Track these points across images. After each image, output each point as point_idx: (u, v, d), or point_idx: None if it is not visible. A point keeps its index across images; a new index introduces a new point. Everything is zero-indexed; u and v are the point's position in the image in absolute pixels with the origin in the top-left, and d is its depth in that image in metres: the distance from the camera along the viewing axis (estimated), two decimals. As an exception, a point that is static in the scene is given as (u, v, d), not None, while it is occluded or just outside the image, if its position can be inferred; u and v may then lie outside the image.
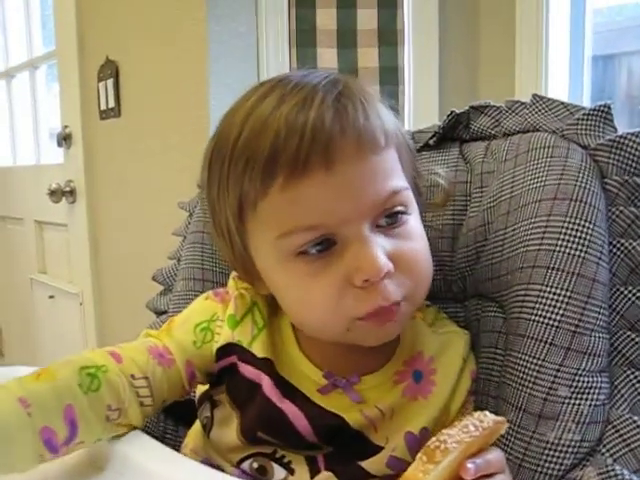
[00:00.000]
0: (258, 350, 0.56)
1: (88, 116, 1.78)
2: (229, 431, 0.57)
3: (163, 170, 1.53)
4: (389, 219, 0.50)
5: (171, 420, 0.73)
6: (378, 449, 0.54)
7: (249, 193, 0.48)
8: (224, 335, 0.57)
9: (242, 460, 0.57)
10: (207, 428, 0.60)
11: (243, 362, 0.56)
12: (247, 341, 0.56)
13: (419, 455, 0.41)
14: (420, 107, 1.37)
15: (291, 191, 0.46)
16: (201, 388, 0.62)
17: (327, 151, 0.45)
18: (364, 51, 1.36)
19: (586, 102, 1.50)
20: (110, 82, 1.64)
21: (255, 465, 0.56)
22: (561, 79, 1.46)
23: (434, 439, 0.42)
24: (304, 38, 1.36)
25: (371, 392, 0.55)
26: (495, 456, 0.44)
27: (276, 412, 0.54)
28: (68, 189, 1.87)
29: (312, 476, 0.54)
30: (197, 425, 0.65)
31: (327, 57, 1.37)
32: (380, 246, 0.48)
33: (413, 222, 0.52)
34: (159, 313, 0.82)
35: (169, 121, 1.47)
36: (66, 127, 1.87)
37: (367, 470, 0.54)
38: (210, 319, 0.58)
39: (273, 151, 0.46)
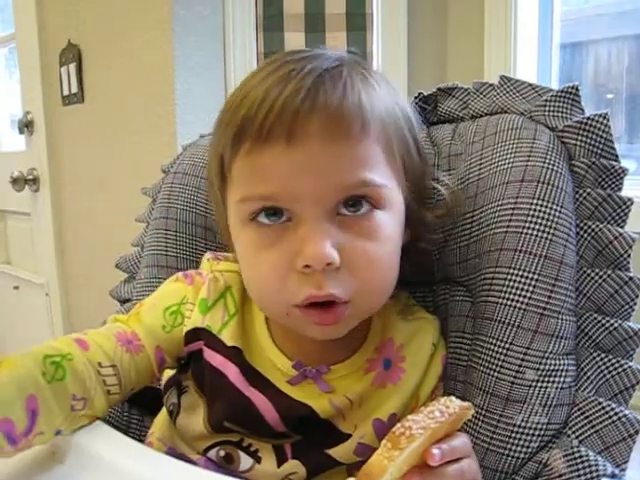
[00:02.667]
0: (227, 338, 0.55)
1: (50, 102, 1.73)
2: (196, 418, 0.56)
3: (128, 156, 1.50)
4: (352, 207, 0.48)
5: (136, 410, 0.71)
6: (346, 437, 0.54)
7: (225, 155, 0.51)
8: (194, 319, 0.56)
9: (208, 448, 0.55)
10: (173, 415, 0.59)
11: (210, 349, 0.55)
12: (217, 328, 0.56)
13: (384, 442, 0.41)
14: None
15: (254, 157, 0.47)
16: (168, 373, 0.61)
17: (291, 125, 0.45)
18: (332, 35, 1.34)
19: (554, 87, 1.51)
20: (72, 67, 1.60)
21: (222, 453, 0.55)
22: (530, 66, 1.47)
23: (399, 425, 0.41)
24: (271, 22, 1.34)
25: (341, 381, 0.55)
26: (461, 441, 0.43)
27: (243, 402, 0.53)
28: (31, 177, 1.82)
29: (279, 465, 0.54)
30: (163, 413, 0.63)
31: (295, 41, 1.35)
32: (330, 235, 0.47)
33: (383, 221, 0.49)
34: (123, 301, 0.80)
35: (134, 106, 1.44)
36: (28, 113, 1.82)
37: (335, 458, 0.53)
38: (180, 302, 0.57)
39: (245, 119, 0.47)
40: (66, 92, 1.65)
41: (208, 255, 0.61)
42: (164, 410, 0.63)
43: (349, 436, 0.54)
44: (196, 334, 0.56)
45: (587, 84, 1.78)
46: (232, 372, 0.54)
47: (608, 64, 1.76)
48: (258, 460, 0.54)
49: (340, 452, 0.53)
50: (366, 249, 0.48)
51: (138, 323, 0.56)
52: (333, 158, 0.46)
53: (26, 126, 1.82)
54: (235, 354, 0.55)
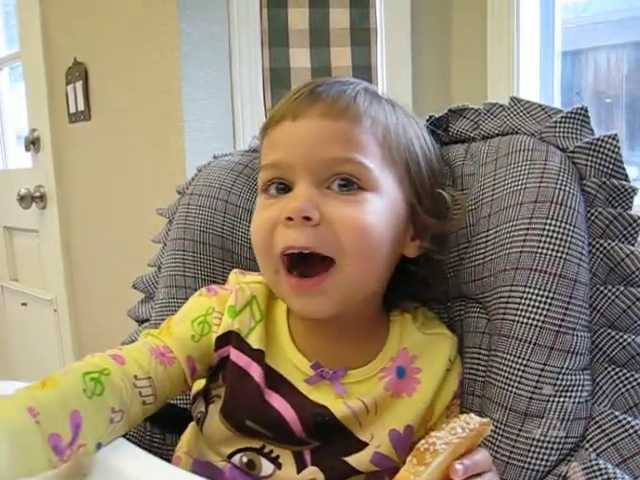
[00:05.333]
0: (254, 341, 0.59)
1: (57, 119, 1.75)
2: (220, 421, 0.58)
3: (135, 173, 1.51)
4: (343, 187, 0.54)
5: (157, 428, 0.73)
6: (363, 445, 0.56)
7: (259, 143, 0.62)
8: (224, 324, 0.60)
9: (232, 454, 0.58)
10: (201, 422, 0.61)
11: (238, 350, 0.58)
12: (245, 332, 0.59)
13: (409, 458, 0.42)
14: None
15: (270, 134, 0.58)
16: (197, 385, 0.63)
17: (297, 108, 0.56)
18: (337, 50, 1.36)
19: (557, 96, 1.52)
20: (79, 84, 1.62)
21: (244, 459, 0.57)
22: (532, 74, 1.48)
23: (423, 441, 0.43)
24: (276, 38, 1.35)
25: (356, 386, 0.57)
26: (482, 456, 0.45)
27: (263, 400, 0.56)
28: (38, 194, 1.83)
29: (299, 471, 0.56)
30: (190, 427, 0.66)
31: (300, 57, 1.36)
32: (314, 197, 0.53)
33: (370, 199, 0.54)
34: (141, 321, 0.81)
35: (141, 123, 1.46)
36: (34, 131, 1.84)
37: (352, 465, 0.55)
38: (206, 313, 0.61)
39: (271, 114, 0.59)
40: (73, 110, 1.67)
41: (235, 270, 0.66)
42: (190, 426, 0.65)
43: (366, 444, 0.55)
44: (226, 338, 0.59)
45: (587, 91, 1.80)
46: (256, 373, 0.57)
47: (608, 71, 1.78)
48: (279, 466, 0.56)
49: (357, 460, 0.55)
50: (347, 212, 0.53)
51: (169, 336, 0.60)
52: (325, 134, 0.54)
53: (32, 143, 1.84)
54: (259, 356, 0.58)
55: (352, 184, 0.54)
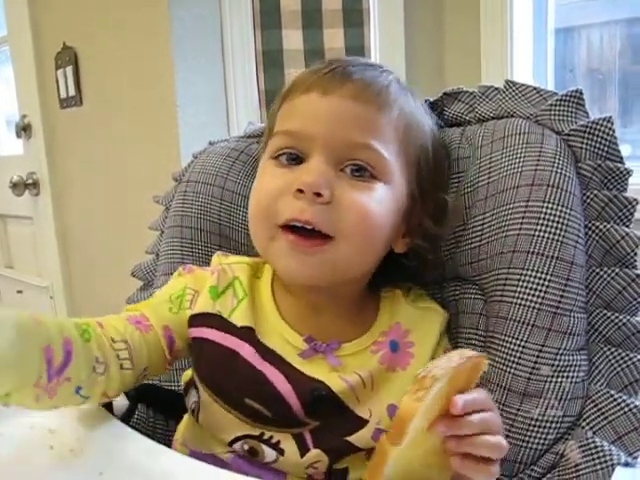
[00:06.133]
0: (238, 319, 0.58)
1: (48, 105, 1.73)
2: (217, 408, 0.58)
3: (129, 157, 1.50)
4: (357, 173, 0.54)
5: (160, 415, 0.73)
6: (363, 422, 0.56)
7: (274, 113, 0.61)
8: (202, 303, 0.60)
9: (233, 442, 0.57)
10: (196, 412, 0.60)
11: (223, 331, 0.58)
12: (227, 312, 0.59)
13: (409, 387, 0.44)
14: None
15: (293, 102, 0.57)
16: (187, 375, 0.63)
17: (328, 84, 0.56)
18: (330, 32, 1.35)
19: (550, 74, 1.52)
20: (69, 69, 1.60)
21: (246, 447, 0.57)
22: (526, 52, 1.47)
23: (421, 370, 0.44)
24: (268, 20, 1.34)
25: (350, 359, 0.57)
26: (481, 394, 0.46)
27: (258, 377, 0.56)
28: (31, 181, 1.82)
29: (302, 455, 0.55)
30: (185, 419, 0.65)
31: (292, 38, 1.35)
32: (328, 175, 0.53)
33: (380, 189, 0.55)
34: (140, 309, 0.81)
35: (134, 107, 1.45)
36: (24, 117, 1.82)
37: (354, 444, 0.55)
38: (182, 289, 0.62)
39: (296, 82, 0.59)
40: (64, 95, 1.65)
41: (219, 252, 0.65)
42: (185, 417, 0.65)
43: (366, 422, 0.55)
44: (201, 319, 0.59)
45: (580, 68, 1.80)
46: (245, 350, 0.57)
47: (601, 48, 1.77)
48: (281, 452, 0.56)
49: (359, 438, 0.55)
50: (358, 198, 0.54)
51: (147, 307, 0.60)
52: (353, 117, 0.54)
53: (24, 130, 1.82)
54: (247, 333, 0.57)
55: (366, 171, 0.54)
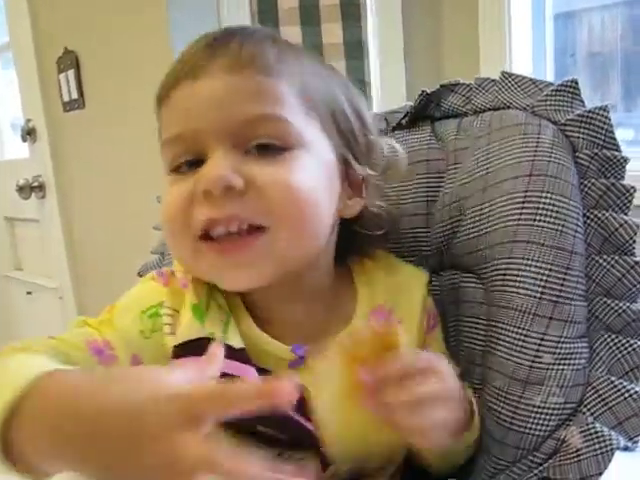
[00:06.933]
0: (234, 340, 0.51)
1: (51, 109, 1.75)
2: (227, 437, 0.55)
3: (132, 159, 1.52)
4: (262, 150, 0.48)
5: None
6: None
7: (158, 122, 0.53)
8: (188, 328, 0.51)
9: None
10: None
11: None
12: (220, 331, 0.51)
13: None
14: (387, 79, 1.38)
15: (167, 103, 0.51)
16: None
17: (195, 65, 0.49)
18: (327, 27, 1.35)
19: (550, 59, 1.51)
20: (71, 73, 1.61)
21: None
22: (524, 37, 1.47)
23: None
24: (266, 18, 1.35)
25: None
26: (416, 356, 0.44)
27: None
28: (37, 184, 1.84)
29: (323, 465, 0.54)
30: None
31: (291, 35, 1.35)
32: (233, 162, 0.47)
33: (297, 155, 0.49)
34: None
35: (136, 109, 1.45)
36: (29, 121, 1.84)
37: None
38: (158, 304, 0.53)
39: (165, 78, 0.52)
40: (66, 98, 1.67)
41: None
42: None
43: None
44: (191, 347, 0.50)
45: (581, 53, 1.79)
46: (251, 374, 0.50)
47: (602, 32, 1.77)
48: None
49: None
50: (276, 174, 0.47)
51: (111, 329, 0.51)
52: (235, 91, 0.48)
53: (29, 134, 1.84)
54: (245, 356, 0.51)
55: (274, 147, 0.48)
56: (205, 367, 0.37)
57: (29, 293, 2.11)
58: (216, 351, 0.36)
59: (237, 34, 0.51)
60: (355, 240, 0.58)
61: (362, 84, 1.35)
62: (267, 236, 0.48)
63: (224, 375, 0.46)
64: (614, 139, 0.57)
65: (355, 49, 1.35)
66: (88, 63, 1.58)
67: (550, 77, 1.47)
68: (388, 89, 1.36)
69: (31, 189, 1.84)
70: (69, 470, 0.36)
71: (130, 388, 0.34)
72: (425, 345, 0.59)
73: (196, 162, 0.49)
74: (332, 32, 1.34)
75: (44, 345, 0.48)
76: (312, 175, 0.50)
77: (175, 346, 0.51)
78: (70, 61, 1.61)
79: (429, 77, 1.36)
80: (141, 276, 0.85)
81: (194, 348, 0.49)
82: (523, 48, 1.45)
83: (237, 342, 0.51)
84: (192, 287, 0.53)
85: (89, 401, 0.35)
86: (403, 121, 0.71)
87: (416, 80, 1.35)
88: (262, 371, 0.52)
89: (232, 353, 0.49)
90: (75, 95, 1.63)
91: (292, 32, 1.35)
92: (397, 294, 0.58)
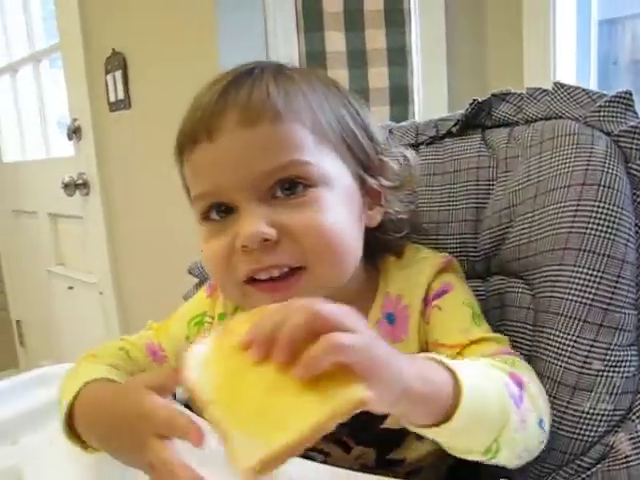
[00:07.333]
0: None
1: (97, 108, 1.79)
2: None
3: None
4: (287, 191, 0.51)
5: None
6: None
7: (181, 171, 0.58)
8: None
9: None
10: None
11: None
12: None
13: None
14: (429, 85, 1.39)
15: (190, 160, 0.54)
16: None
17: (209, 124, 0.51)
18: (371, 33, 1.37)
19: (593, 66, 1.50)
20: (118, 74, 1.65)
21: None
22: (569, 44, 1.46)
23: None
24: (311, 22, 1.37)
25: None
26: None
27: None
28: (81, 181, 1.89)
29: (348, 452, 0.58)
30: None
31: (334, 40, 1.38)
32: (264, 215, 0.50)
33: (321, 195, 0.51)
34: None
35: (181, 110, 1.49)
36: (75, 120, 1.89)
37: (391, 428, 0.57)
38: (203, 313, 0.63)
39: (182, 130, 0.55)
40: (113, 99, 1.71)
41: None
42: None
43: None
44: None
45: (624, 60, 1.77)
46: None
47: (645, 40, 1.74)
48: (327, 455, 0.59)
49: (392, 422, 0.56)
50: (305, 218, 0.50)
51: (165, 334, 0.63)
52: (250, 146, 0.50)
53: (74, 132, 1.89)
54: None
55: (297, 185, 0.51)
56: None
57: (70, 288, 2.16)
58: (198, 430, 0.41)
59: (247, 82, 0.52)
60: (379, 243, 0.61)
61: (404, 90, 1.37)
62: (307, 274, 0.52)
63: None
64: (668, 150, 0.58)
65: (398, 55, 1.36)
66: (135, 64, 1.62)
67: (593, 84, 1.46)
68: (430, 95, 1.37)
69: (75, 186, 1.89)
70: (101, 448, 0.51)
71: (126, 404, 0.46)
72: (428, 315, 0.58)
73: (224, 209, 0.53)
74: (375, 38, 1.36)
75: (112, 348, 0.60)
76: (337, 209, 0.52)
77: None
78: (118, 62, 1.65)
79: (471, 83, 1.37)
80: (191, 273, 0.88)
81: None
82: (567, 53, 1.44)
83: None
84: (222, 298, 0.62)
85: (105, 409, 0.50)
86: (454, 129, 0.72)
87: (458, 86, 1.36)
88: None
89: None
90: (121, 96, 1.67)
91: (336, 37, 1.37)
92: (405, 281, 0.59)
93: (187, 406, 0.71)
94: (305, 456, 0.58)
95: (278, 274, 0.51)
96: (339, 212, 0.52)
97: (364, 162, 0.57)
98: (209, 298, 0.64)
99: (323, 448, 0.59)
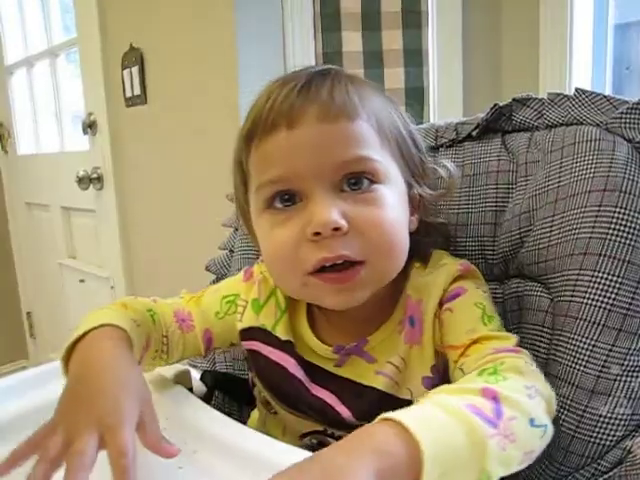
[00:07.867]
0: (282, 333, 0.61)
1: (113, 103, 1.80)
2: (280, 409, 0.63)
3: (191, 156, 1.56)
4: (354, 185, 0.54)
5: (235, 402, 0.78)
6: (407, 403, 0.54)
7: (242, 159, 0.58)
8: (247, 317, 0.64)
9: (303, 436, 0.62)
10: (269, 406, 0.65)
11: (268, 345, 0.61)
12: (271, 324, 0.62)
13: None
14: (444, 87, 1.39)
15: (262, 148, 0.55)
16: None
17: (289, 114, 0.53)
18: (388, 33, 1.38)
19: (609, 70, 1.50)
20: (135, 69, 1.67)
21: (314, 441, 0.62)
22: (585, 48, 1.46)
23: None
24: (329, 22, 1.38)
25: (379, 348, 0.59)
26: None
27: (306, 390, 0.60)
28: (95, 176, 1.90)
29: None
30: (253, 414, 0.71)
31: (352, 41, 1.39)
32: (336, 205, 0.52)
33: (384, 192, 0.54)
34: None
35: (197, 107, 1.50)
36: (91, 114, 1.90)
37: None
38: (236, 294, 0.66)
39: (253, 120, 0.56)
40: (129, 94, 1.72)
41: (261, 258, 0.67)
42: (253, 414, 0.71)
43: (410, 401, 0.57)
44: (250, 333, 0.63)
45: (638, 66, 1.77)
46: (290, 364, 0.60)
47: (660, 45, 1.74)
48: None
49: None
50: (371, 214, 0.53)
51: (196, 305, 0.66)
52: (328, 138, 0.53)
53: (89, 127, 1.90)
54: (290, 348, 0.61)
55: (363, 180, 0.54)
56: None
57: (82, 281, 2.18)
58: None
59: (327, 81, 0.55)
60: (410, 248, 0.61)
61: (420, 91, 1.38)
62: (366, 268, 0.53)
63: (271, 362, 0.61)
64: (689, 159, 0.58)
65: (414, 56, 1.37)
66: (152, 60, 1.63)
67: (608, 89, 1.46)
68: (446, 97, 1.38)
69: (90, 180, 1.91)
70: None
71: (108, 382, 0.48)
72: (442, 319, 0.58)
73: (289, 198, 0.54)
74: (392, 39, 1.37)
75: (142, 306, 0.62)
76: (396, 208, 0.55)
77: (241, 330, 0.64)
78: (135, 58, 1.66)
79: (487, 85, 1.37)
80: (208, 270, 0.89)
81: (252, 333, 0.63)
82: (584, 59, 1.44)
83: (283, 335, 0.61)
84: (258, 286, 0.64)
85: (90, 368, 0.50)
86: (474, 132, 0.73)
87: (474, 88, 1.37)
88: (309, 364, 0.61)
89: (279, 344, 0.61)
90: (138, 91, 1.68)
91: (353, 37, 1.38)
92: (425, 287, 0.60)
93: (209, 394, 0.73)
94: (324, 443, 0.60)
95: (341, 263, 0.53)
96: (399, 211, 0.56)
97: (411, 169, 0.60)
98: (245, 283, 0.66)
99: (342, 435, 0.58)
